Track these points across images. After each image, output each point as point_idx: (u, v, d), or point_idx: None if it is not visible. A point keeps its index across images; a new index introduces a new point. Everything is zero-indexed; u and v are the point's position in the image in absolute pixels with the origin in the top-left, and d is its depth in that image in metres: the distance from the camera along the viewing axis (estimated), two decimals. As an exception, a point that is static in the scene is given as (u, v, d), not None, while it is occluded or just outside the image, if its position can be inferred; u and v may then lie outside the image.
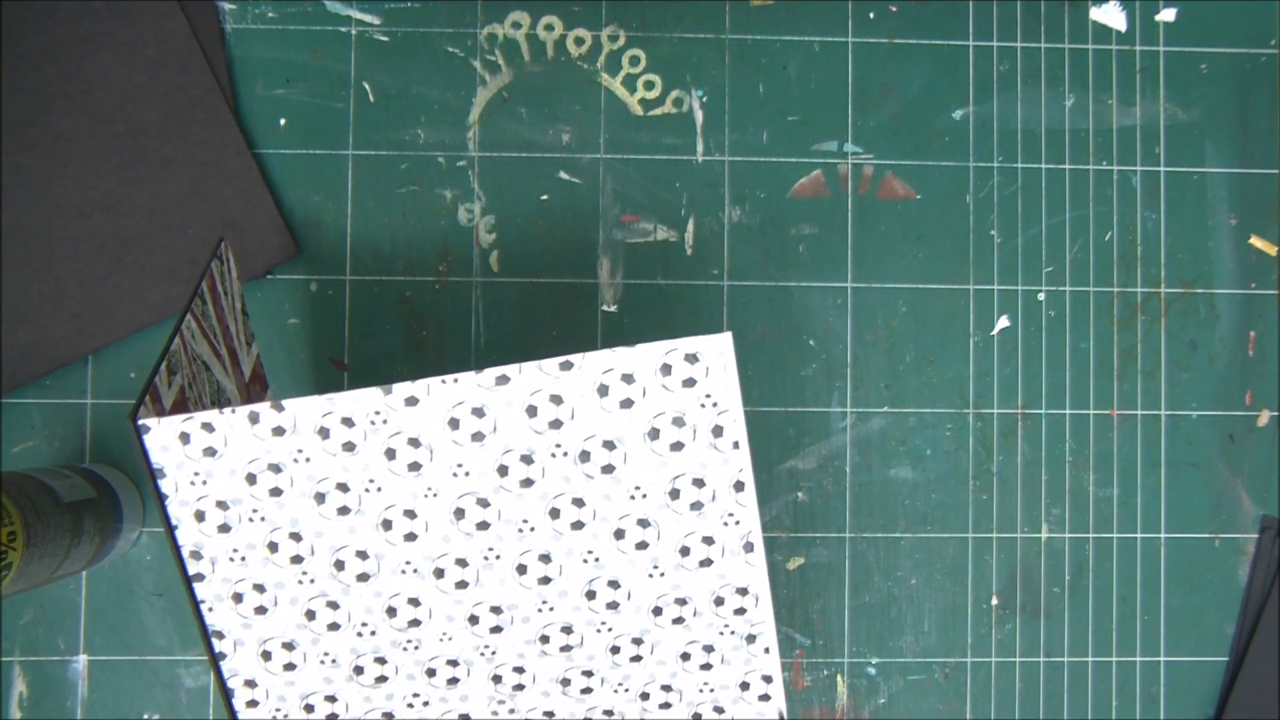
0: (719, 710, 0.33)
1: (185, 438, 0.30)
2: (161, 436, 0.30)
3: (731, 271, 0.45)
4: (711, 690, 0.33)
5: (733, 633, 0.33)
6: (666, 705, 0.33)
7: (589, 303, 0.44)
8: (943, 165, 0.45)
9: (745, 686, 0.33)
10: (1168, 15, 0.46)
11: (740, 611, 0.32)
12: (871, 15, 0.45)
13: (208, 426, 0.30)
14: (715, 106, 0.45)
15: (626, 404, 0.30)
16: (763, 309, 0.45)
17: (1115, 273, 0.45)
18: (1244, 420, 0.45)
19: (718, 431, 0.31)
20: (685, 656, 0.33)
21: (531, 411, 0.30)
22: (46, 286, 0.42)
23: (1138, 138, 0.46)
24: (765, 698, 0.33)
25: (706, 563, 0.32)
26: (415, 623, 0.32)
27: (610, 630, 0.33)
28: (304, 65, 0.44)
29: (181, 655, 0.43)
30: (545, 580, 0.32)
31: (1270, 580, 0.45)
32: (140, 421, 0.29)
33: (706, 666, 0.33)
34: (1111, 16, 0.46)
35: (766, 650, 0.32)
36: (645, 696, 0.33)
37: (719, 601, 0.32)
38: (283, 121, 0.44)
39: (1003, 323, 0.45)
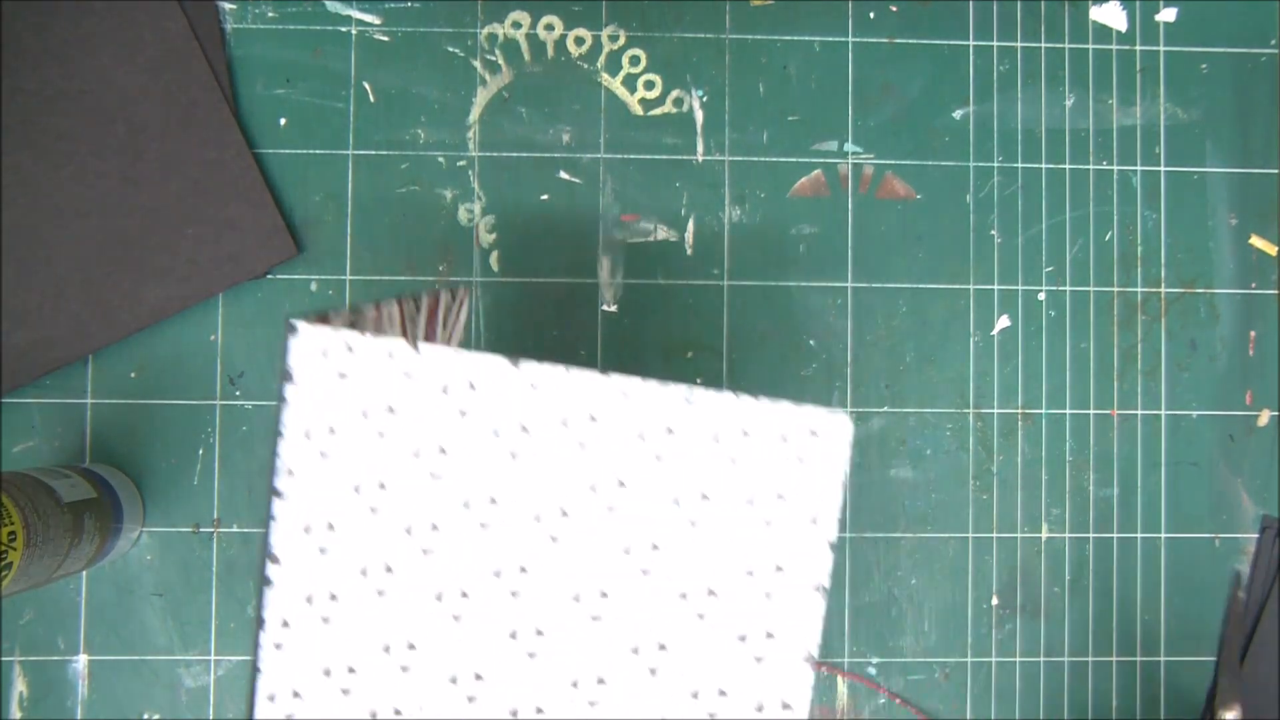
0: None
1: (325, 353, 0.30)
2: (306, 342, 0.30)
3: (731, 271, 0.45)
4: None
5: None
6: None
7: (589, 303, 0.44)
8: (943, 165, 0.45)
9: None
10: (1168, 15, 0.46)
11: None
12: (871, 15, 0.45)
13: (348, 347, 0.30)
14: (715, 106, 0.45)
15: (733, 460, 0.29)
16: (763, 309, 0.45)
17: (1115, 273, 0.45)
18: (1244, 420, 0.45)
19: (814, 521, 0.29)
20: None
21: (642, 437, 0.29)
22: (46, 286, 0.42)
23: (1138, 138, 0.46)
24: None
25: (759, 661, 0.29)
26: (457, 618, 0.31)
27: (660, 680, 0.30)
28: (304, 65, 0.44)
29: (181, 655, 0.43)
30: (596, 618, 0.30)
31: (1270, 580, 0.45)
32: (293, 320, 0.30)
33: None
34: (1112, 16, 0.46)
35: None
36: None
37: (759, 709, 0.29)
38: (283, 121, 0.44)
39: (1003, 323, 0.45)
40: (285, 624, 0.30)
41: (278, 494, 0.30)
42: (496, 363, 0.29)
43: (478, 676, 0.30)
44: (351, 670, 0.30)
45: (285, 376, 0.30)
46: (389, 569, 0.30)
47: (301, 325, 0.30)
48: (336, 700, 0.30)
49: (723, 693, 0.29)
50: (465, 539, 0.30)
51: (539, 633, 0.30)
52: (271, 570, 0.30)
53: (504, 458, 0.29)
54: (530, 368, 0.29)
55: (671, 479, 0.29)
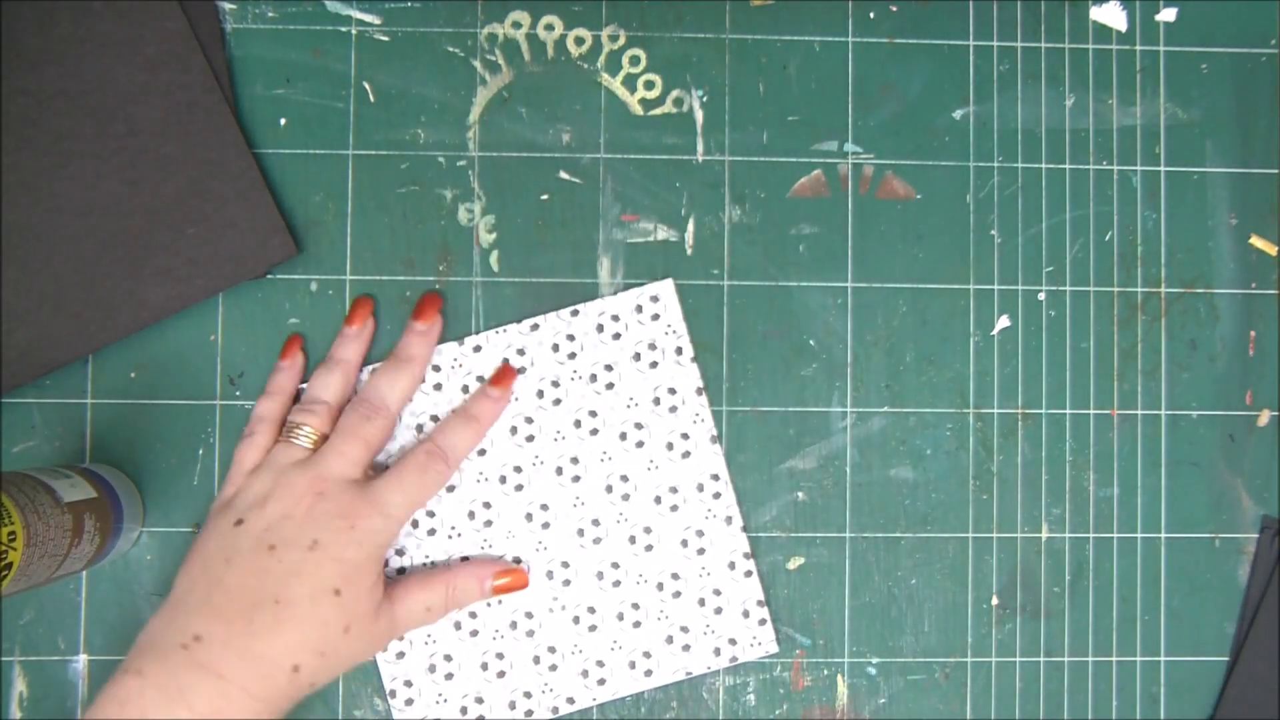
0: (717, 592, 0.43)
1: None
2: None
3: (731, 271, 0.45)
4: (708, 574, 0.43)
5: (714, 515, 0.43)
6: (678, 594, 0.43)
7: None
8: (943, 165, 0.45)
9: (732, 566, 0.43)
10: (1168, 15, 0.46)
11: (717, 496, 0.43)
12: (871, 15, 0.45)
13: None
14: (715, 106, 0.45)
15: (616, 336, 0.43)
16: (763, 309, 0.45)
17: (1115, 272, 0.45)
18: (1244, 420, 0.45)
19: (679, 351, 0.43)
20: (684, 544, 0.43)
21: (555, 348, 0.43)
22: (46, 286, 0.43)
23: (1138, 138, 0.46)
24: (749, 574, 0.43)
25: (686, 455, 0.43)
26: (488, 523, 0.43)
27: (627, 520, 0.43)
28: (304, 65, 0.44)
29: (181, 655, 0.43)
30: (576, 479, 0.43)
31: (1270, 580, 0.45)
32: None
33: (701, 551, 0.43)
34: (1112, 16, 0.46)
35: (743, 529, 0.43)
36: (660, 587, 0.43)
37: (700, 488, 0.43)
38: (283, 121, 0.44)
39: (1003, 323, 0.45)
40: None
41: None
42: (450, 346, 0.44)
43: (486, 523, 0.44)
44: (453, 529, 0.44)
45: None
46: (430, 514, 0.44)
47: None
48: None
49: (674, 489, 0.43)
50: (471, 468, 0.43)
51: (543, 507, 0.43)
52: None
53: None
54: (471, 339, 0.43)
55: (584, 365, 0.43)
